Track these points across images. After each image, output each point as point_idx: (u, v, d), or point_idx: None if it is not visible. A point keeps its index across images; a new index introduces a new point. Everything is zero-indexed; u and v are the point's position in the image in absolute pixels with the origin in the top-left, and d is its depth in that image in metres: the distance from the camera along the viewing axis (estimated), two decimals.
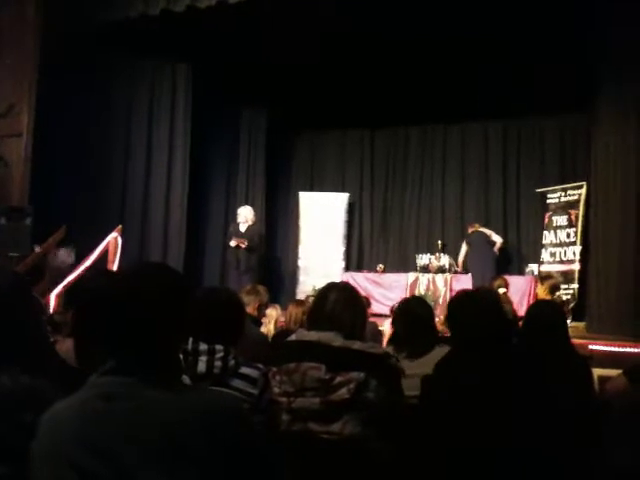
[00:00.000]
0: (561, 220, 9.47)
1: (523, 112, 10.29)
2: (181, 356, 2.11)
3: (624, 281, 7.31)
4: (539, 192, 10.07)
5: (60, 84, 7.67)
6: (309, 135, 12.12)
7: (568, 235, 9.31)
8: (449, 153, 11.36)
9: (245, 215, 9.60)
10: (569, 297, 8.87)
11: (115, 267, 7.22)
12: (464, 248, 10.01)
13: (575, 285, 8.94)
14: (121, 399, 1.33)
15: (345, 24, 8.07)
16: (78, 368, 2.05)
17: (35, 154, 7.44)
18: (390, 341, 3.48)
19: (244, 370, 2.34)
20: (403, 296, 7.09)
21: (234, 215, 9.90)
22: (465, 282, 9.10)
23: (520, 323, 4.21)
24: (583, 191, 9.14)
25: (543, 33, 8.15)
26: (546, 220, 9.73)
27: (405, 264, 11.03)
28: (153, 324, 1.38)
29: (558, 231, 9.49)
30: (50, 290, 6.77)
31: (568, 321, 6.05)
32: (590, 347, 5.97)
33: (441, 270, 9.98)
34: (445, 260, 10.15)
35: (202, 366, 2.29)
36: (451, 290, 9.33)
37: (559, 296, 6.97)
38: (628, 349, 6.20)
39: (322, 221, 11.12)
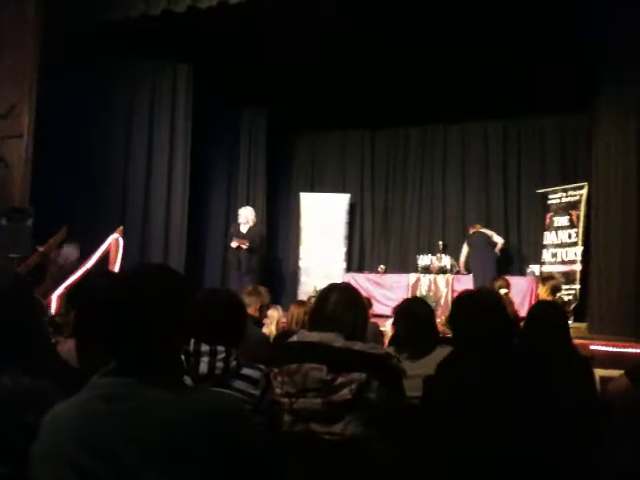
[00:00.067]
0: (562, 221, 9.47)
1: (523, 112, 10.28)
2: (183, 357, 2.11)
3: (625, 281, 7.31)
4: (540, 193, 10.07)
5: (60, 84, 7.67)
6: (310, 135, 12.13)
7: (569, 236, 9.30)
8: (449, 153, 11.36)
9: (246, 216, 9.60)
10: (570, 298, 8.87)
11: (116, 268, 7.22)
12: (465, 249, 10.01)
13: (577, 286, 8.94)
14: (122, 400, 1.33)
15: (345, 24, 8.07)
16: (80, 369, 2.05)
17: (36, 155, 7.44)
18: (391, 342, 3.48)
19: (246, 371, 2.35)
20: (404, 297, 7.09)
21: (235, 216, 9.90)
22: (466, 283, 9.10)
23: (521, 324, 4.21)
24: (584, 192, 9.14)
25: (544, 33, 8.14)
26: (547, 221, 9.73)
27: (406, 265, 11.03)
28: (154, 325, 1.38)
29: (559, 232, 9.49)
30: (53, 290, 6.77)
31: (570, 322, 6.05)
32: (592, 347, 5.97)
33: (442, 271, 9.97)
34: (446, 261, 10.15)
35: (204, 367, 2.29)
36: (452, 291, 9.33)
37: (560, 297, 6.98)
38: (629, 349, 6.20)
39: (323, 222, 11.12)
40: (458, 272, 10.03)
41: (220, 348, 2.32)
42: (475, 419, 2.25)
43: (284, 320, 5.27)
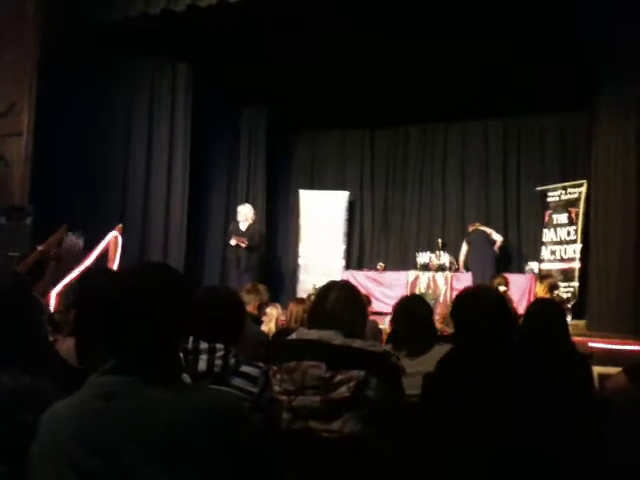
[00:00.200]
0: (561, 218, 9.47)
1: (523, 111, 10.29)
2: (182, 355, 2.12)
3: (624, 279, 7.32)
4: (539, 190, 10.07)
5: (60, 83, 7.66)
6: (309, 134, 12.12)
7: (568, 233, 9.31)
8: (449, 152, 11.36)
9: (245, 213, 9.59)
10: (569, 295, 8.88)
11: (115, 266, 7.22)
12: (464, 247, 10.02)
13: (575, 283, 8.95)
14: (121, 398, 1.33)
15: (345, 23, 8.06)
16: (79, 368, 2.06)
17: (35, 153, 7.44)
18: (389, 339, 3.48)
19: (244, 369, 2.35)
20: (403, 294, 7.09)
21: (234, 214, 9.89)
22: (465, 280, 9.11)
23: (520, 321, 4.22)
24: (583, 189, 9.15)
25: (545, 33, 8.13)
26: (546, 218, 9.74)
27: (405, 262, 11.03)
28: (153, 323, 1.38)
29: (558, 229, 9.49)
30: (52, 287, 6.77)
31: (568, 319, 6.06)
32: (590, 345, 5.98)
33: (441, 268, 9.98)
34: (445, 258, 10.16)
35: (203, 365, 2.29)
36: (451, 288, 9.34)
37: (558, 295, 6.99)
38: (628, 347, 6.21)
39: (322, 219, 11.12)
40: (457, 270, 10.04)
41: (219, 346, 2.33)
42: (475, 416, 2.26)
43: (283, 318, 5.28)
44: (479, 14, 7.78)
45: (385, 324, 5.49)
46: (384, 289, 9.86)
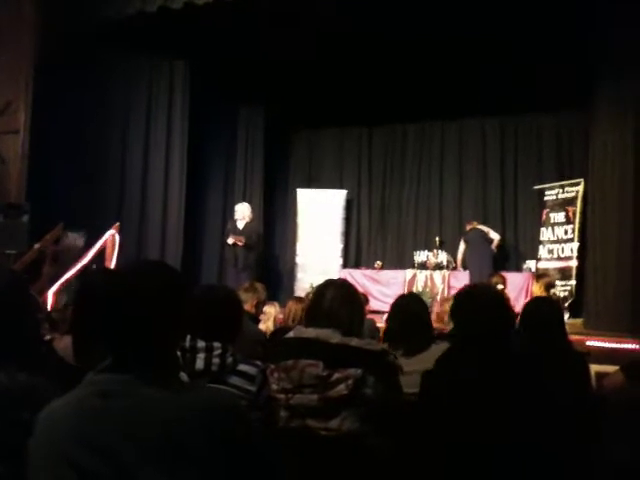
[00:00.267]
0: (558, 217, 9.48)
1: (521, 110, 10.29)
2: (179, 353, 2.11)
3: (621, 278, 7.33)
4: (537, 189, 10.08)
5: (57, 81, 7.65)
6: (307, 132, 12.12)
7: (565, 232, 9.32)
8: (447, 150, 11.36)
9: (242, 212, 9.59)
10: (566, 294, 8.90)
11: (112, 264, 7.22)
12: (462, 246, 10.04)
13: (573, 282, 8.96)
14: (117, 397, 1.33)
15: (343, 22, 8.05)
16: (76, 366, 2.05)
17: (32, 151, 7.43)
18: (385, 339, 3.48)
19: (242, 367, 2.35)
20: (401, 293, 7.11)
21: (232, 212, 9.89)
22: (463, 279, 9.11)
23: (517, 319, 4.22)
24: (580, 188, 9.16)
25: (544, 33, 8.13)
26: (543, 217, 9.74)
27: (403, 261, 11.04)
28: (150, 321, 1.38)
29: (555, 228, 9.50)
30: (49, 286, 6.77)
31: (565, 317, 6.07)
32: (587, 343, 5.99)
33: (439, 267, 9.99)
34: (443, 257, 10.17)
35: (200, 363, 2.29)
36: (449, 287, 9.35)
37: (554, 293, 7.00)
38: (625, 345, 6.22)
39: (320, 218, 11.12)
40: (455, 268, 10.05)
41: (216, 344, 2.32)
42: (473, 413, 2.26)
43: (281, 316, 5.28)
44: (476, 13, 7.78)
45: (383, 322, 5.49)
46: (381, 287, 9.86)
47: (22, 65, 7.41)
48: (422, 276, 9.84)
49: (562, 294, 8.75)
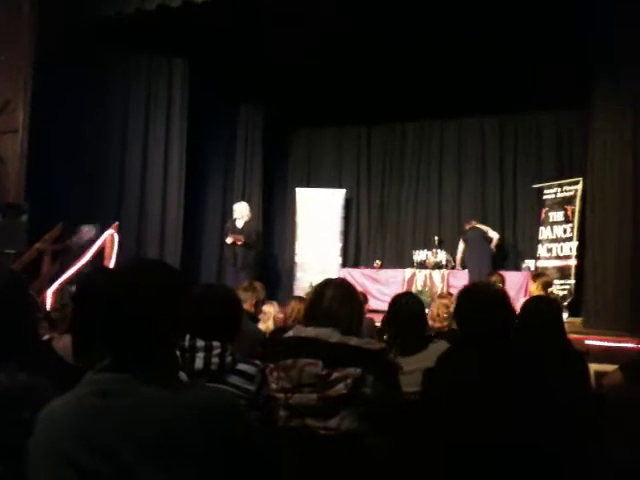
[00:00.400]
0: (558, 216, 9.48)
1: (520, 108, 10.29)
2: (178, 352, 2.11)
3: (621, 277, 7.34)
4: (536, 188, 10.08)
5: (55, 80, 7.64)
6: (306, 131, 12.12)
7: (565, 231, 9.32)
8: (446, 149, 11.36)
9: (241, 211, 9.58)
10: (566, 293, 8.90)
11: (111, 264, 7.22)
12: (461, 245, 10.04)
13: (572, 281, 8.96)
14: (117, 396, 1.33)
15: (343, 21, 8.05)
16: (75, 365, 2.05)
17: (31, 150, 7.42)
18: (380, 338, 3.49)
19: (241, 366, 2.35)
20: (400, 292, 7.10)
21: (231, 211, 9.88)
22: (462, 278, 9.12)
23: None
24: (579, 187, 9.16)
25: (543, 32, 8.14)
26: (543, 216, 9.75)
27: (402, 260, 11.04)
28: (149, 321, 1.38)
29: (555, 227, 9.50)
30: (48, 285, 6.77)
31: (564, 316, 6.07)
32: (587, 342, 5.99)
33: (438, 266, 10.00)
34: (442, 256, 10.17)
35: (199, 362, 2.29)
36: (448, 286, 9.35)
37: (551, 292, 7.00)
38: (624, 344, 6.22)
39: (319, 217, 11.12)
40: (454, 267, 10.06)
41: (216, 344, 2.32)
42: (472, 412, 2.26)
43: (280, 316, 5.28)
44: (476, 13, 7.78)
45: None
46: (381, 287, 9.86)
47: (21, 64, 7.41)
48: (421, 275, 9.85)
49: (561, 293, 8.76)
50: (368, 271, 10.40)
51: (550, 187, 9.74)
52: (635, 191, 7.31)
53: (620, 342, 6.29)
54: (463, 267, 9.89)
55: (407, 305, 3.35)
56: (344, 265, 10.99)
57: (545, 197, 9.78)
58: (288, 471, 1.90)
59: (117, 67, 8.85)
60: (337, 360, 2.27)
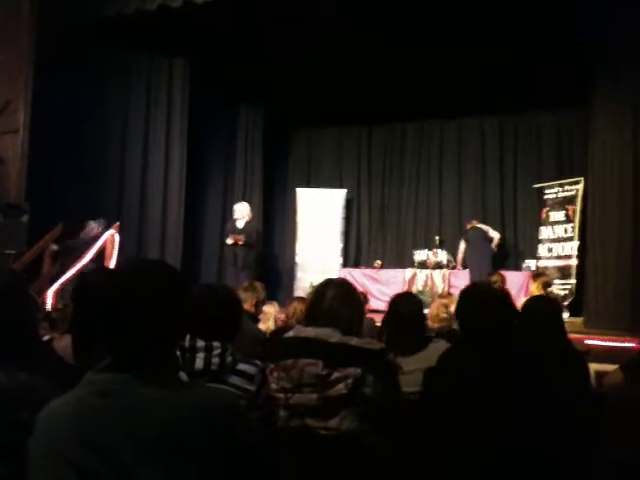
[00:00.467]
0: (558, 215, 9.48)
1: (520, 108, 10.30)
2: (178, 353, 2.11)
3: (621, 277, 7.34)
4: (536, 188, 10.08)
5: (56, 80, 7.64)
6: (306, 131, 12.13)
7: (565, 230, 9.32)
8: (446, 149, 11.37)
9: (241, 211, 9.59)
10: (566, 292, 8.90)
11: (112, 264, 7.23)
12: (462, 245, 10.04)
13: (572, 280, 8.96)
14: (116, 396, 1.33)
15: (343, 21, 8.05)
16: (75, 365, 2.05)
17: (31, 151, 7.42)
18: (380, 338, 3.48)
19: (241, 367, 2.35)
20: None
21: (231, 212, 9.88)
22: (463, 278, 9.12)
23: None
24: (580, 186, 9.16)
25: (543, 32, 8.14)
26: (543, 215, 9.74)
27: (402, 260, 11.04)
28: (149, 321, 1.38)
29: (555, 226, 9.50)
30: (49, 286, 6.77)
31: (565, 316, 6.06)
32: (587, 342, 5.99)
33: (439, 266, 10.00)
34: (443, 256, 10.17)
35: (199, 363, 2.29)
36: (449, 286, 9.35)
37: (551, 292, 6.99)
38: (625, 344, 6.22)
39: (319, 217, 11.12)
40: (454, 267, 10.05)
41: (216, 344, 2.32)
42: (473, 412, 2.26)
43: (280, 316, 5.28)
44: (476, 13, 7.78)
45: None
46: (381, 287, 9.86)
47: (21, 64, 7.41)
48: (422, 275, 9.85)
49: (562, 293, 8.76)
50: (369, 271, 10.41)
51: (551, 187, 9.74)
52: (635, 191, 7.31)
53: (621, 342, 6.29)
54: (464, 267, 9.89)
55: (405, 305, 3.34)
56: (345, 265, 10.99)
57: (546, 197, 9.77)
58: (288, 471, 1.90)
59: (117, 67, 8.85)
60: (337, 360, 2.27)
